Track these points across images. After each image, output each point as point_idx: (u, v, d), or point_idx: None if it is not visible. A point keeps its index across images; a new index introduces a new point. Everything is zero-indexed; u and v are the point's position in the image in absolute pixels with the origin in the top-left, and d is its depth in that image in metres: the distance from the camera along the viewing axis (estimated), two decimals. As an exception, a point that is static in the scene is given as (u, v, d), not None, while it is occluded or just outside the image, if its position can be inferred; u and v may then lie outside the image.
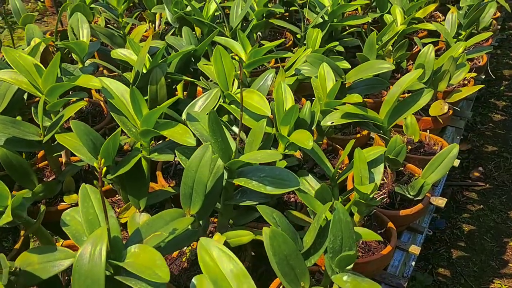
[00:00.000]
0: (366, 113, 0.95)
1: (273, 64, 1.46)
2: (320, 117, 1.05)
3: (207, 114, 0.75)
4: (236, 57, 1.19)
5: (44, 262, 0.62)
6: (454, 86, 1.31)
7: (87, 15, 1.39)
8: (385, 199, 0.99)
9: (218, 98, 0.98)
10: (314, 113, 1.04)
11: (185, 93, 1.29)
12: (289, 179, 0.74)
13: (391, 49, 1.47)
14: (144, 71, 1.11)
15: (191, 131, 0.79)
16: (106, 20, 1.63)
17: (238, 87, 0.98)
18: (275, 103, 0.94)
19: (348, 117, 0.95)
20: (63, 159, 1.01)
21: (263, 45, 1.16)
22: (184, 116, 0.97)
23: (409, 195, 0.94)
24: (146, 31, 1.72)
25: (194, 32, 1.59)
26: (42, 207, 0.81)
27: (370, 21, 1.37)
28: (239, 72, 0.99)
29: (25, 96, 1.00)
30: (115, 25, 1.60)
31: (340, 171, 0.95)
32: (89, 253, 0.55)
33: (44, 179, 1.00)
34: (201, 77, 1.16)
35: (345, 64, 1.23)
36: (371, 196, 0.79)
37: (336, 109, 1.02)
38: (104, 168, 0.81)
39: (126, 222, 0.82)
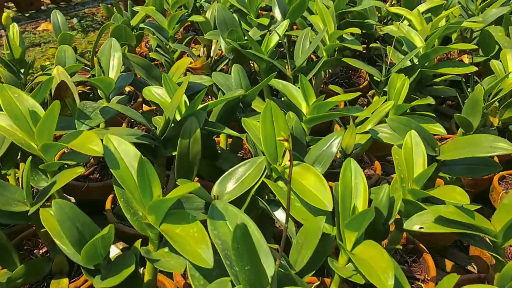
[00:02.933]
0: (473, 221, 0.65)
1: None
2: (402, 207, 0.76)
3: (238, 220, 0.49)
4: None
5: None
6: None
7: (129, 39, 1.20)
8: None
9: (262, 171, 0.73)
10: (393, 200, 0.75)
11: (229, 140, 1.06)
12: None
13: (497, 105, 1.14)
14: (179, 117, 0.89)
15: (210, 238, 0.54)
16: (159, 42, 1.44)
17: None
18: (339, 190, 0.67)
19: (445, 224, 0.65)
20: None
21: (329, 95, 0.89)
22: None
23: None
24: (199, 56, 1.52)
25: (252, 68, 1.36)
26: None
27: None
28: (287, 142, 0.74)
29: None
30: (167, 46, 1.40)
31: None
32: None
33: (35, 251, 0.80)
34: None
35: (439, 129, 0.93)
36: None
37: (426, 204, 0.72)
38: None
39: None
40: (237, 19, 1.29)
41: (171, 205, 0.58)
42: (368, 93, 1.38)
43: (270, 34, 1.13)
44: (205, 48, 1.50)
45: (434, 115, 1.02)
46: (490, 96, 1.10)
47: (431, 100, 1.00)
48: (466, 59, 1.48)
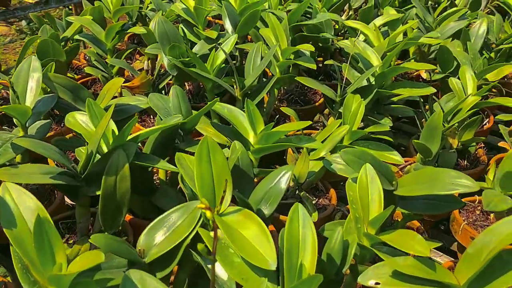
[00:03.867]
0: (435, 274, 0.57)
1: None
2: (357, 250, 0.68)
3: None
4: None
5: None
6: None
7: (58, 54, 1.07)
8: None
9: (197, 219, 0.62)
10: (347, 245, 0.67)
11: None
12: None
13: (456, 125, 1.09)
14: (106, 149, 0.78)
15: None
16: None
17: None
18: (284, 244, 0.57)
19: (404, 279, 0.57)
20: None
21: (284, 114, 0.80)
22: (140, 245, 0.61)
23: None
24: (143, 69, 1.40)
25: (201, 83, 1.26)
26: None
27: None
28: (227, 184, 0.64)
29: None
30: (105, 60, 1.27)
31: None
32: None
33: None
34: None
35: (396, 158, 0.86)
36: None
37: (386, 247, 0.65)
38: None
39: None
40: (182, 32, 1.18)
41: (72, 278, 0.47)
42: (324, 110, 1.31)
43: (216, 50, 1.03)
44: (149, 61, 1.39)
45: (391, 139, 0.95)
46: (449, 117, 1.04)
47: (386, 127, 0.92)
48: (424, 73, 1.44)
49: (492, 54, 1.39)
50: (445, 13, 1.53)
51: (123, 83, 1.12)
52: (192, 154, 0.88)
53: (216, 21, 1.84)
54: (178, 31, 1.11)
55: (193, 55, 0.98)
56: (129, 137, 0.78)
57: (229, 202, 0.63)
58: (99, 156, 0.74)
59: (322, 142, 0.93)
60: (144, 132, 0.77)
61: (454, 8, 1.57)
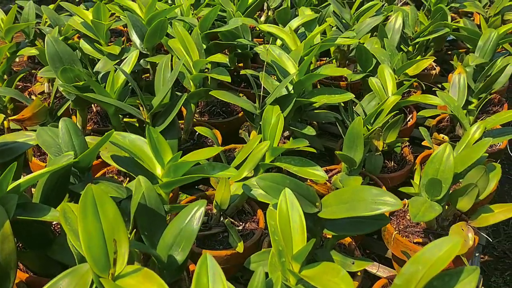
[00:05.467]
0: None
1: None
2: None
3: None
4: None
5: None
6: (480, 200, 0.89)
7: None
8: None
9: (89, 285, 0.52)
10: (271, 284, 0.60)
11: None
12: None
13: (379, 128, 1.06)
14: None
15: None
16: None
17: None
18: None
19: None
20: None
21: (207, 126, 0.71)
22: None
23: None
24: (43, 93, 1.26)
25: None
26: None
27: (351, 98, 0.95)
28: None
29: None
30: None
31: None
32: None
33: None
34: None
35: (319, 173, 0.80)
36: None
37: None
38: None
39: None
40: (80, 51, 1.06)
41: None
42: (247, 128, 1.24)
43: (115, 71, 0.92)
44: (50, 83, 1.25)
45: (314, 150, 0.89)
46: (371, 120, 1.01)
47: (304, 143, 0.86)
48: (348, 72, 1.40)
49: (410, 48, 1.39)
50: (361, 9, 1.51)
51: (14, 115, 0.99)
52: None
53: (126, 29, 1.71)
54: (73, 50, 0.99)
55: (88, 78, 0.87)
56: (10, 187, 0.66)
57: (126, 260, 0.53)
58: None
59: (244, 160, 0.86)
60: (26, 180, 0.65)
61: (370, 3, 1.55)
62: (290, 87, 1.00)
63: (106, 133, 0.72)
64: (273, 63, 1.03)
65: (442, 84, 1.29)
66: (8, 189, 0.65)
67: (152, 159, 0.74)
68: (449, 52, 1.72)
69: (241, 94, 1.30)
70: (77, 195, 0.72)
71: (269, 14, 1.71)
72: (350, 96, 0.93)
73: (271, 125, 0.89)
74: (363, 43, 1.25)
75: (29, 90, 1.25)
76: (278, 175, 0.68)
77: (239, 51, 1.33)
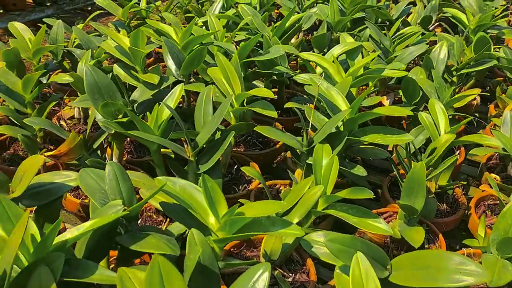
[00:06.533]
0: None
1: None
2: None
3: None
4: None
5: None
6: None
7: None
8: None
9: None
10: None
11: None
12: None
13: (432, 168, 1.00)
14: (25, 262, 0.59)
15: None
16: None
17: None
18: None
19: None
20: None
21: (244, 161, 0.65)
22: None
23: None
24: (73, 118, 1.20)
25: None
26: None
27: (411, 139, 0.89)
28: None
29: None
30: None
31: None
32: None
33: None
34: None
35: (381, 226, 0.74)
36: None
37: None
38: None
39: None
40: (116, 78, 1.01)
41: None
42: (287, 152, 1.18)
43: (159, 104, 0.87)
44: (80, 109, 1.19)
45: (372, 196, 0.83)
46: (424, 160, 0.95)
47: (366, 194, 0.79)
48: (385, 101, 1.35)
49: (455, 79, 1.33)
50: (398, 33, 1.46)
51: (44, 142, 0.94)
52: (141, 255, 0.72)
53: (157, 50, 1.66)
54: (111, 80, 0.93)
55: (132, 114, 0.81)
56: (55, 242, 0.60)
57: None
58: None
59: (295, 205, 0.80)
60: (74, 236, 0.59)
61: (409, 28, 1.51)
62: (340, 123, 0.94)
63: (155, 191, 0.66)
64: (320, 96, 0.97)
65: (491, 119, 1.23)
66: (54, 242, 0.60)
67: (205, 210, 0.68)
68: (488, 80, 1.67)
69: (277, 123, 1.25)
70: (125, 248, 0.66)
71: (300, 36, 1.65)
72: (409, 138, 0.87)
73: (323, 168, 0.83)
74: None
75: (57, 114, 1.20)
76: (347, 237, 0.62)
77: (275, 78, 1.28)
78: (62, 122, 1.19)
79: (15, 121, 1.02)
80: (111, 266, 0.77)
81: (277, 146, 1.17)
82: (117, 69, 1.10)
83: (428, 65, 1.23)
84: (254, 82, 1.28)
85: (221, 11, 1.57)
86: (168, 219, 0.90)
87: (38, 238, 0.60)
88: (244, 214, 0.65)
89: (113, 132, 0.91)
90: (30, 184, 0.72)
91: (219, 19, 1.36)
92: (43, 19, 1.42)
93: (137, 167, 1.04)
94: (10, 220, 0.61)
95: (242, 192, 1.01)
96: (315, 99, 0.95)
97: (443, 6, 1.79)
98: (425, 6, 1.82)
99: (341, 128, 0.94)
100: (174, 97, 0.90)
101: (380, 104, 1.20)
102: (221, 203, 0.68)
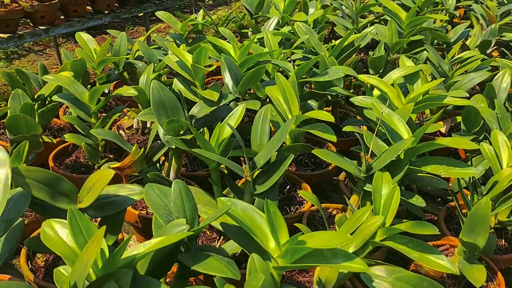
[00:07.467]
0: None
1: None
2: None
3: None
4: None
5: None
6: None
7: (32, 129, 0.91)
8: None
9: None
10: None
11: None
12: None
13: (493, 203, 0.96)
14: (93, 275, 0.61)
15: None
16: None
17: None
18: None
19: None
20: None
21: (294, 180, 0.65)
22: None
23: None
24: (131, 127, 1.24)
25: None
26: None
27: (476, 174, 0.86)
28: None
29: None
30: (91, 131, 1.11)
31: None
32: None
33: None
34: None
35: (443, 263, 0.72)
36: None
37: None
38: None
39: None
40: (178, 94, 1.03)
41: None
42: (339, 175, 1.17)
43: (221, 122, 0.88)
44: (140, 120, 1.23)
45: (436, 232, 0.80)
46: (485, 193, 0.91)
47: (431, 230, 0.77)
48: (442, 127, 1.32)
49: (517, 108, 1.28)
50: (456, 57, 1.42)
51: (105, 151, 0.97)
52: (198, 275, 0.73)
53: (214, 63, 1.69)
54: (174, 96, 0.96)
55: (196, 133, 0.83)
56: (123, 257, 0.62)
57: None
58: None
59: (352, 234, 0.79)
60: (141, 254, 0.61)
61: (468, 53, 1.47)
62: (401, 153, 0.92)
63: (219, 213, 0.67)
64: (381, 121, 0.95)
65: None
66: (122, 257, 0.62)
67: (266, 235, 0.69)
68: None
69: (330, 144, 1.24)
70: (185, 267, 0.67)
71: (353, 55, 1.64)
72: (474, 172, 0.85)
73: (382, 197, 0.82)
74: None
75: (117, 124, 1.24)
76: (414, 276, 0.61)
77: (330, 98, 1.27)
78: (121, 132, 1.23)
79: (79, 130, 1.06)
80: (167, 280, 0.78)
81: (330, 168, 1.16)
82: (177, 84, 1.12)
83: (490, 93, 1.19)
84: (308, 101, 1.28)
85: (276, 27, 1.59)
86: (221, 237, 0.91)
87: (107, 253, 0.62)
88: (306, 243, 0.65)
89: (173, 146, 0.94)
90: (96, 195, 0.74)
91: (274, 35, 1.37)
92: (107, 30, 1.48)
93: (191, 181, 1.05)
94: (81, 232, 0.63)
95: (295, 214, 1.01)
96: (372, 123, 0.94)
97: (502, 30, 1.73)
98: (482, 29, 1.77)
99: (401, 156, 0.93)
100: (235, 117, 0.91)
101: (438, 132, 1.17)
102: (283, 229, 0.68)
